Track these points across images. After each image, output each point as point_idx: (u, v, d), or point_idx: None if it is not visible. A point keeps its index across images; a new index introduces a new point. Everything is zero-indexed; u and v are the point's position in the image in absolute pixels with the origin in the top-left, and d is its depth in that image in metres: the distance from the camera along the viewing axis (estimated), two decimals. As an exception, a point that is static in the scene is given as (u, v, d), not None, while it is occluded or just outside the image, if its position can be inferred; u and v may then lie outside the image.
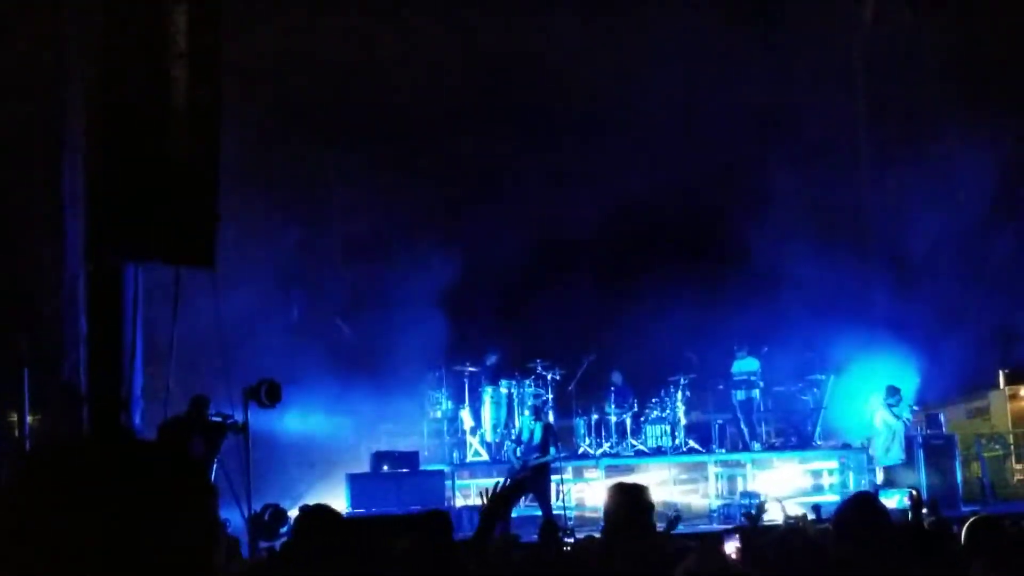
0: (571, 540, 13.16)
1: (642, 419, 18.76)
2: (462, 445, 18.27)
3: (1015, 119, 19.91)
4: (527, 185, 19.42)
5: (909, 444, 17.85)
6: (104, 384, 14.19)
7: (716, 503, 17.90)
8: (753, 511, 13.62)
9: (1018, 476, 19.61)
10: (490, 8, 19.06)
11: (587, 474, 18.23)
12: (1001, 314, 20.47)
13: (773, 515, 15.64)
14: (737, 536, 8.06)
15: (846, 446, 19.17)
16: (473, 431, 18.24)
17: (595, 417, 18.53)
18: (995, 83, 20.41)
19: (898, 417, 17.47)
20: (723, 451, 18.92)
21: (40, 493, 1.50)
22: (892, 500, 13.31)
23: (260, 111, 16.52)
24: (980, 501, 17.39)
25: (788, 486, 18.47)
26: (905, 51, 20.72)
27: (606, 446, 18.41)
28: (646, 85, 19.03)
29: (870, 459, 18.58)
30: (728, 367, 19.59)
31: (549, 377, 18.36)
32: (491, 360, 18.80)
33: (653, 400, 18.84)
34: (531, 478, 15.69)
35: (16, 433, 13.87)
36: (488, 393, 18.20)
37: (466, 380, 18.52)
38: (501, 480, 5.69)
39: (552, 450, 15.96)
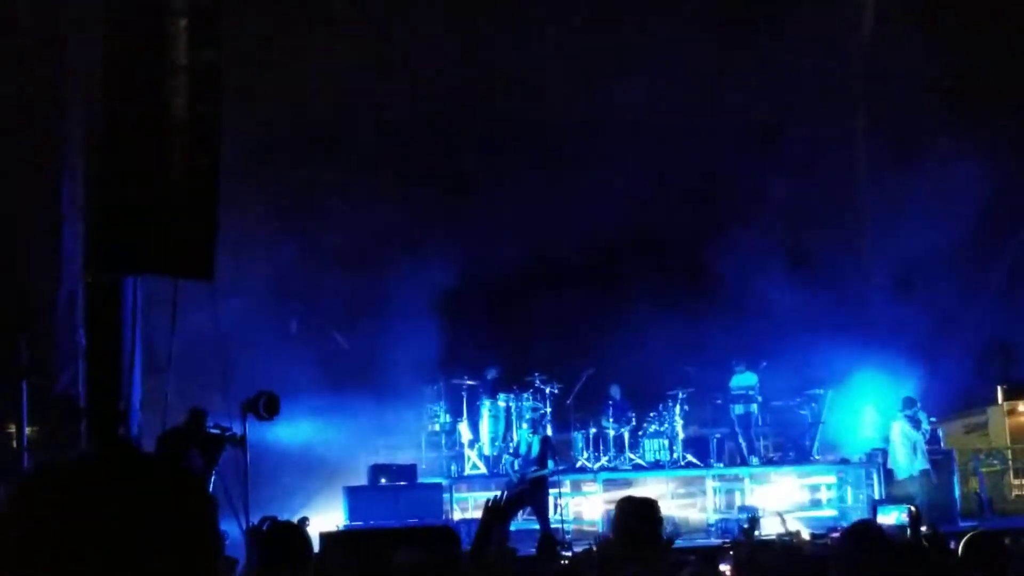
0: (569, 553, 13.15)
1: (640, 433, 18.74)
2: (460, 458, 18.25)
3: (1014, 131, 19.96)
4: (525, 198, 19.42)
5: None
6: (102, 396, 14.20)
7: (714, 517, 17.88)
8: (745, 524, 13.67)
9: (1016, 491, 19.59)
10: (489, 25, 19.11)
11: (585, 488, 18.20)
12: (999, 329, 20.49)
13: (772, 529, 15.68)
14: (731, 554, 8.06)
15: (844, 461, 19.15)
16: (471, 444, 18.22)
17: (593, 431, 18.52)
18: (992, 95, 20.46)
19: (917, 428, 17.43)
20: (721, 465, 18.91)
21: (41, 514, 1.49)
22: (890, 516, 13.30)
23: (257, 124, 16.54)
24: (978, 516, 17.37)
25: (786, 501, 18.42)
26: (900, 63, 20.75)
27: (604, 460, 18.38)
28: (644, 98, 19.04)
29: (868, 474, 18.57)
30: (726, 381, 19.60)
31: (547, 391, 18.35)
32: (492, 375, 18.80)
33: (651, 414, 18.81)
34: (529, 491, 15.68)
35: (14, 445, 13.85)
36: (486, 406, 18.19)
37: (464, 393, 18.51)
38: (498, 494, 5.68)
39: (550, 464, 15.95)
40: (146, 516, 1.50)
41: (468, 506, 17.13)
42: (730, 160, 20.65)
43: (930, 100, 20.40)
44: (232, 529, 12.24)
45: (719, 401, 19.59)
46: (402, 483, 16.76)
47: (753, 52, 19.95)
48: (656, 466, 18.48)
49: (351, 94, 17.92)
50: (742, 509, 17.54)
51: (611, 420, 18.63)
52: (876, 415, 19.42)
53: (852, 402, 19.65)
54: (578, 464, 18.34)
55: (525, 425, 17.19)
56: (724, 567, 7.89)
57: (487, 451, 18.05)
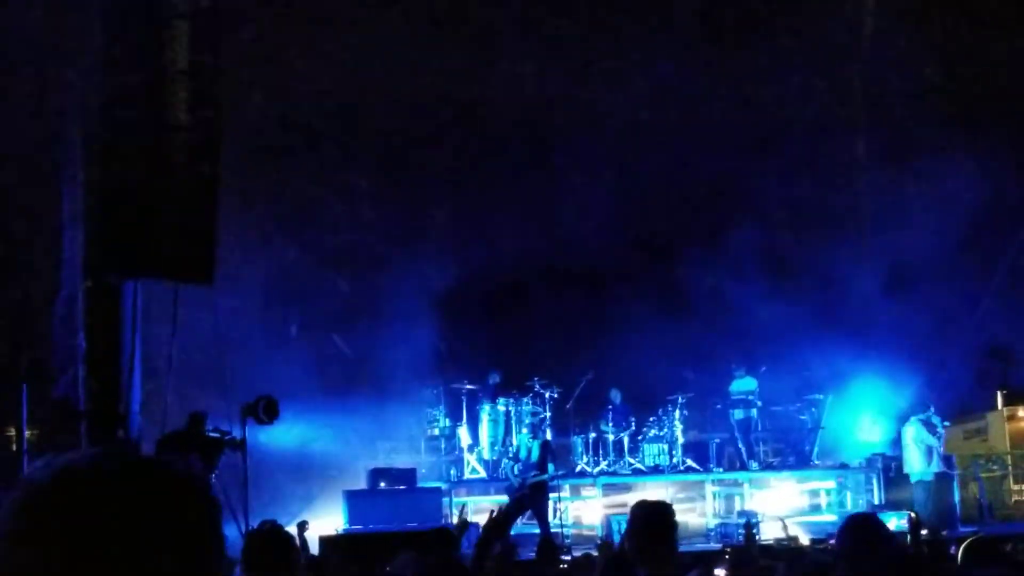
0: (568, 558, 13.14)
1: (640, 438, 18.73)
2: (460, 463, 18.25)
3: (1012, 133, 19.96)
4: (525, 202, 19.44)
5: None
6: (102, 399, 14.21)
7: (713, 522, 17.86)
8: (741, 530, 13.67)
9: (1016, 497, 19.56)
10: (490, 29, 19.13)
11: (584, 492, 18.18)
12: (998, 334, 20.48)
13: (772, 534, 15.67)
14: (727, 558, 8.07)
15: (844, 466, 19.15)
16: (471, 449, 18.22)
17: (593, 435, 18.51)
18: (991, 97, 20.46)
19: (932, 432, 17.39)
20: (721, 470, 18.89)
21: (42, 517, 1.48)
22: (890, 522, 13.30)
23: (257, 126, 16.55)
24: (978, 522, 17.35)
25: (785, 505, 18.42)
26: (900, 64, 20.77)
27: (603, 464, 18.37)
28: (647, 102, 19.07)
29: (868, 479, 18.57)
30: (726, 386, 19.58)
31: (547, 395, 18.34)
32: (494, 380, 18.80)
33: (651, 419, 18.80)
34: (529, 496, 15.67)
35: (14, 448, 13.87)
36: (486, 411, 18.19)
37: (464, 398, 18.51)
38: (500, 507, 5.68)
39: (550, 468, 15.94)
40: (147, 518, 1.49)
41: (468, 511, 17.10)
42: (729, 164, 20.65)
43: (928, 102, 20.42)
44: (231, 533, 12.23)
45: (719, 406, 19.59)
46: (401, 487, 16.76)
47: (752, 55, 19.98)
48: (656, 471, 18.46)
49: (351, 96, 17.93)
50: (741, 514, 17.54)
51: (611, 424, 18.62)
52: (877, 420, 19.42)
53: (852, 407, 19.64)
54: (578, 468, 18.33)
55: (525, 429, 17.18)
56: (719, 572, 7.88)
57: (487, 455, 18.05)
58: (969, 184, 19.07)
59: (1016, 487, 19.54)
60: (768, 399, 19.48)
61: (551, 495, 16.15)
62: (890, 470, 18.26)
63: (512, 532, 14.60)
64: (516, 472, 16.14)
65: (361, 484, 16.93)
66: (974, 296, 20.60)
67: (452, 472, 18.20)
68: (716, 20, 20.42)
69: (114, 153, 12.96)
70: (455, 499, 17.30)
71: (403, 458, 18.33)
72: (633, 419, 18.79)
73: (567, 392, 18.53)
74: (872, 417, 19.56)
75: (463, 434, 18.40)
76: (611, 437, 18.58)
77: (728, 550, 13.56)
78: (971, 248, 20.19)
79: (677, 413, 18.68)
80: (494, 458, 18.00)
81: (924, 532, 12.41)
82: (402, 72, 18.53)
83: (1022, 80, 20.11)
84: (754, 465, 19.09)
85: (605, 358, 18.94)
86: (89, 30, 13.22)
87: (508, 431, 17.99)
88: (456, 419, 18.52)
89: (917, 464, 17.33)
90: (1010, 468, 19.55)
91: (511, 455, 17.02)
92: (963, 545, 5.96)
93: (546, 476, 15.89)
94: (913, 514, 13.48)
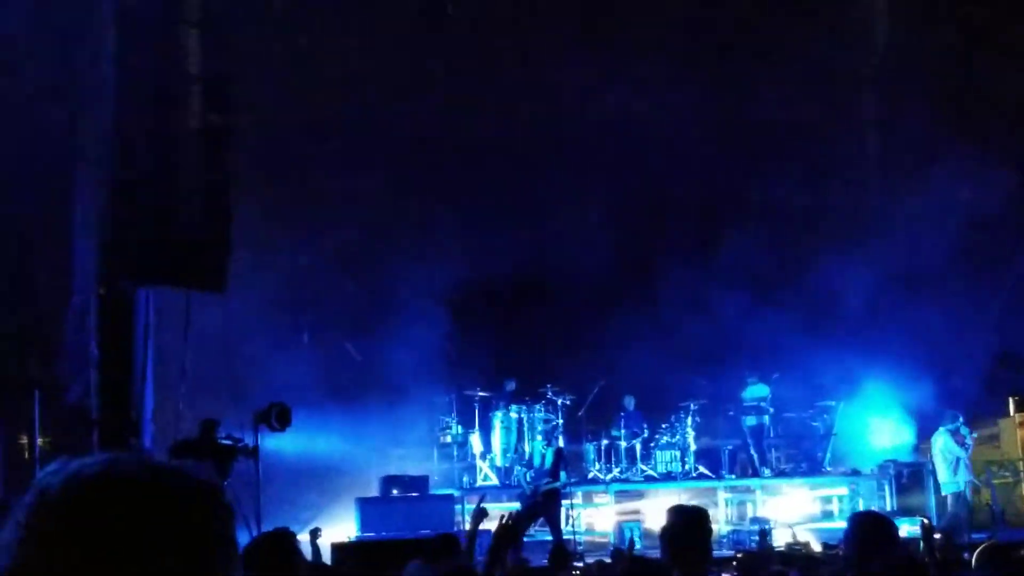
0: (580, 565, 13.14)
1: (652, 444, 18.72)
2: (472, 470, 18.24)
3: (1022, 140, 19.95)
4: (538, 208, 19.44)
5: (920, 472, 17.84)
6: (114, 407, 14.24)
7: (726, 529, 17.82)
8: (755, 536, 13.67)
9: (1028, 503, 19.50)
10: (499, 32, 19.16)
11: (597, 499, 18.18)
12: (1010, 340, 20.41)
13: (783, 540, 15.66)
14: (736, 564, 8.05)
15: (856, 472, 19.12)
16: (483, 456, 18.21)
17: (605, 442, 18.51)
18: (1002, 104, 20.42)
19: (961, 444, 17.32)
20: (733, 477, 18.87)
21: (55, 522, 1.49)
22: (902, 529, 13.25)
23: (268, 132, 16.58)
24: (990, 528, 17.29)
25: (798, 512, 18.41)
26: (912, 69, 20.73)
27: (616, 471, 18.36)
28: (660, 105, 19.05)
29: (880, 485, 18.53)
30: (738, 393, 19.58)
31: (559, 402, 18.33)
32: (509, 387, 18.80)
33: (663, 426, 18.81)
34: (542, 503, 15.67)
35: (27, 456, 13.90)
36: (498, 418, 18.19)
37: (476, 405, 18.51)
38: (511, 512, 5.67)
39: (563, 475, 15.94)
40: (159, 522, 1.50)
41: (486, 498, 17.07)
42: (738, 169, 20.65)
43: (940, 107, 20.37)
44: (244, 540, 12.22)
45: (731, 413, 19.57)
46: (414, 494, 16.75)
47: (760, 60, 19.97)
48: (668, 477, 18.45)
49: (365, 102, 17.96)
50: (754, 520, 17.53)
51: (623, 431, 18.60)
52: (889, 426, 19.38)
53: (864, 413, 19.60)
54: (590, 475, 18.32)
55: (538, 436, 17.20)
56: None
57: (499, 462, 18.04)
58: (981, 189, 19.02)
59: (1028, 493, 19.47)
60: (780, 406, 19.46)
61: (564, 502, 16.14)
62: (902, 476, 18.22)
63: (525, 540, 14.60)
64: (529, 479, 16.14)
65: (373, 491, 16.93)
66: (986, 302, 20.54)
67: (465, 479, 18.20)
68: (714, 29, 20.41)
69: (126, 161, 13.01)
70: (468, 506, 17.29)
71: (415, 465, 18.31)
72: (645, 426, 18.78)
73: (580, 399, 18.53)
74: (884, 423, 19.52)
75: (476, 441, 18.39)
76: (623, 444, 18.56)
77: (739, 555, 13.54)
78: (982, 254, 20.16)
79: (689, 420, 18.67)
80: (507, 465, 17.99)
81: (937, 537, 12.38)
82: (414, 75, 18.57)
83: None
84: (766, 472, 19.06)
85: (617, 365, 18.93)
86: (101, 38, 13.27)
87: (521, 438, 17.98)
88: (469, 426, 18.52)
89: (944, 475, 17.27)
90: (1022, 474, 19.49)
91: (524, 462, 17.02)
92: (976, 551, 5.95)
93: (559, 483, 15.89)
94: (926, 520, 13.44)
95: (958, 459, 17.20)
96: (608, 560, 11.45)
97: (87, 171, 14.08)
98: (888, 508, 17.92)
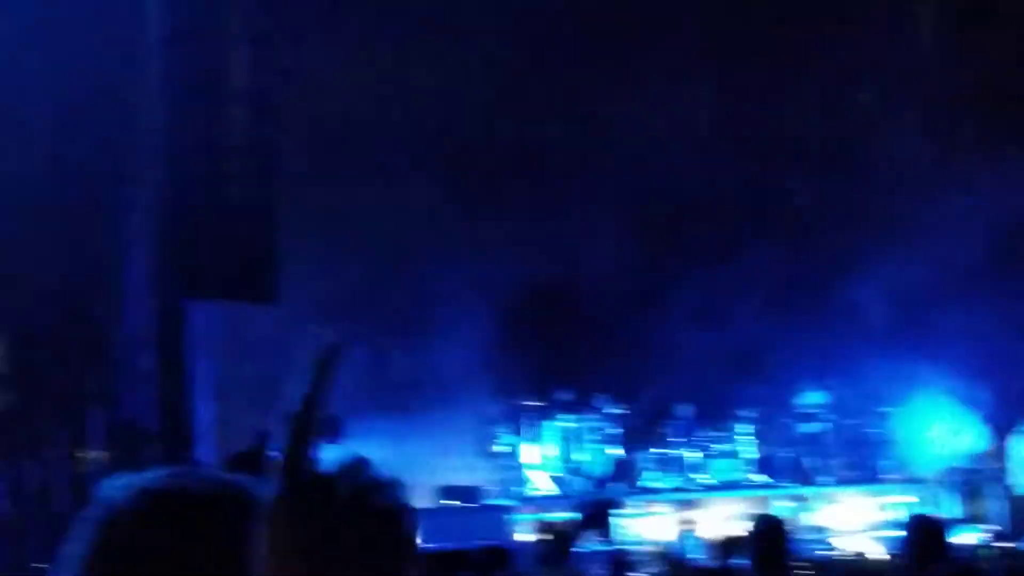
0: (636, 575, 13.03)
1: (708, 453, 18.59)
2: (524, 480, 18.22)
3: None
4: (587, 215, 19.38)
5: (987, 478, 17.53)
6: (169, 421, 14.35)
7: (784, 538, 17.60)
8: (816, 545, 13.50)
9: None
10: (533, 51, 19.20)
11: (652, 509, 18.05)
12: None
13: (843, 548, 15.48)
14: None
15: (917, 480, 18.82)
16: (535, 465, 18.18)
17: (659, 451, 18.40)
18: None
19: None
20: (790, 485, 18.66)
21: (121, 537, 1.49)
22: (969, 537, 13.03)
23: (315, 144, 16.66)
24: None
25: (857, 521, 18.19)
26: (957, 66, 20.47)
27: (671, 480, 18.25)
28: (693, 98, 18.99)
29: (943, 492, 18.24)
30: (795, 400, 19.37)
31: (612, 411, 18.28)
32: (561, 396, 18.75)
33: (719, 434, 18.68)
34: (595, 514, 15.59)
35: (83, 471, 14.02)
36: (550, 427, 18.16)
37: (528, 414, 18.48)
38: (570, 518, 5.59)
39: (616, 484, 15.87)
40: (223, 539, 1.50)
41: (533, 528, 17.04)
42: (781, 171, 20.48)
43: (994, 104, 20.10)
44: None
45: (788, 420, 19.36)
46: (468, 504, 16.74)
47: (798, 60, 19.82)
48: (724, 486, 18.32)
49: (408, 108, 18.03)
50: (811, 529, 17.33)
51: (678, 440, 18.49)
52: (951, 431, 19.09)
53: (924, 419, 19.32)
54: (644, 485, 18.22)
55: (591, 445, 17.15)
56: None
57: (552, 472, 18.01)
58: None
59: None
60: (839, 412, 19.22)
61: (618, 512, 16.06)
62: (968, 482, 17.94)
63: (581, 550, 14.51)
64: (582, 489, 16.08)
65: (426, 502, 16.91)
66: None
67: (517, 489, 18.17)
68: (747, 30, 20.27)
69: (177, 175, 13.12)
70: (520, 516, 17.24)
71: (464, 475, 18.30)
72: (700, 434, 18.65)
73: (633, 407, 18.47)
74: (946, 428, 19.22)
75: (528, 451, 18.36)
76: (678, 452, 18.44)
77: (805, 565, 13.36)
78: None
79: (745, 427, 18.55)
80: (559, 475, 17.96)
81: (1003, 545, 12.15)
82: (457, 83, 18.62)
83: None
84: (824, 480, 18.83)
85: (671, 372, 18.81)
86: (151, 53, 13.39)
87: (574, 447, 17.96)
88: (520, 435, 18.49)
89: (1021, 477, 17.01)
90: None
91: (577, 472, 16.97)
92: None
93: (613, 493, 15.81)
94: (989, 529, 13.21)
95: None
96: (665, 570, 11.34)
97: (138, 187, 14.21)
98: (953, 515, 17.64)
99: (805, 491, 18.62)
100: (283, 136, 13.60)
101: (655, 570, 12.85)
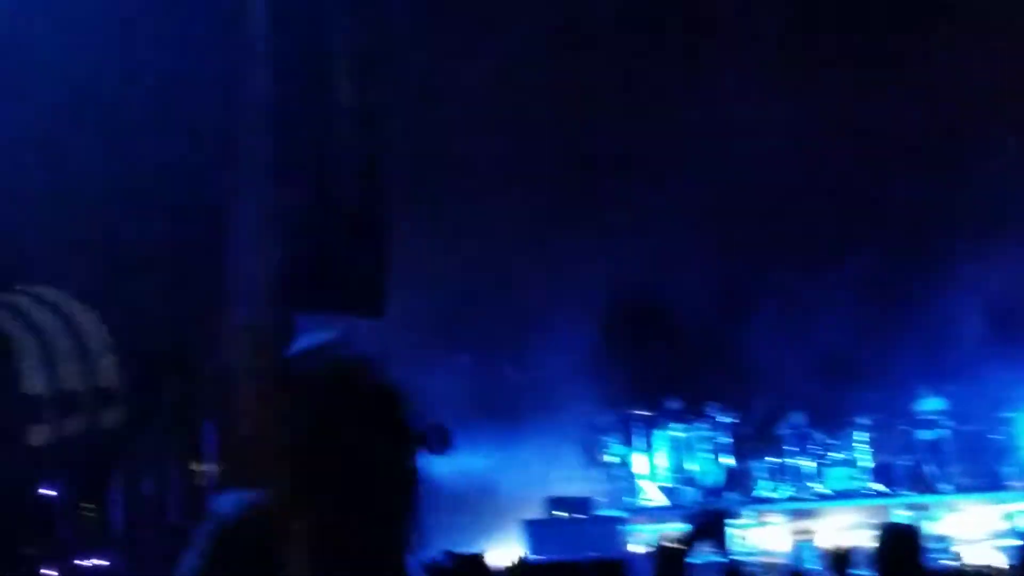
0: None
1: (824, 461, 18.33)
2: (635, 490, 18.12)
3: None
4: (681, 222, 19.20)
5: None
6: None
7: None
8: (945, 557, 13.12)
9: None
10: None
11: (768, 519, 17.83)
12: None
13: (967, 559, 15.07)
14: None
15: (1041, 487, 18.34)
16: (647, 475, 18.09)
17: (774, 460, 18.20)
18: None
19: None
20: (909, 494, 18.30)
21: (232, 549, 1.57)
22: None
23: (421, 158, 16.78)
24: None
25: (980, 530, 17.75)
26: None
27: (786, 490, 18.04)
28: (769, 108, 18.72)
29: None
30: (913, 406, 18.96)
31: (725, 420, 18.14)
32: (672, 405, 18.63)
33: (834, 442, 18.41)
34: (710, 524, 15.37)
35: (199, 483, 14.21)
36: (661, 436, 18.09)
37: (638, 423, 18.40)
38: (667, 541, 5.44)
39: (731, 494, 15.70)
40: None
41: (646, 539, 16.92)
42: (883, 175, 20.09)
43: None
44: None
45: (906, 427, 18.97)
46: (580, 516, 16.68)
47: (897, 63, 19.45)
48: (841, 495, 18.06)
49: (510, 122, 18.09)
50: (932, 539, 16.94)
51: (792, 448, 18.27)
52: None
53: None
54: (759, 495, 18.02)
55: (703, 455, 17.02)
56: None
57: (663, 482, 17.92)
58: None
59: None
60: (958, 418, 18.77)
61: (733, 522, 15.84)
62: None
63: (695, 562, 14.34)
64: (695, 499, 15.93)
65: (533, 513, 16.88)
66: None
67: (629, 500, 18.08)
68: (848, 31, 19.92)
69: (284, 187, 13.24)
70: (633, 527, 17.13)
71: (574, 486, 18.27)
72: (816, 442, 18.40)
73: (745, 416, 18.30)
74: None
75: (638, 461, 18.27)
76: (793, 462, 18.23)
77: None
78: None
79: (862, 435, 18.27)
80: (671, 485, 17.85)
81: None
82: (558, 99, 18.64)
83: None
84: (945, 488, 18.42)
85: (785, 380, 18.60)
86: (255, 68, 13.55)
87: (685, 457, 17.85)
88: (631, 445, 18.41)
89: None
90: None
91: (689, 482, 16.85)
92: None
93: (727, 503, 15.63)
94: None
95: None
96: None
97: (247, 202, 14.37)
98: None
99: (924, 499, 18.26)
100: (389, 147, 13.67)
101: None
